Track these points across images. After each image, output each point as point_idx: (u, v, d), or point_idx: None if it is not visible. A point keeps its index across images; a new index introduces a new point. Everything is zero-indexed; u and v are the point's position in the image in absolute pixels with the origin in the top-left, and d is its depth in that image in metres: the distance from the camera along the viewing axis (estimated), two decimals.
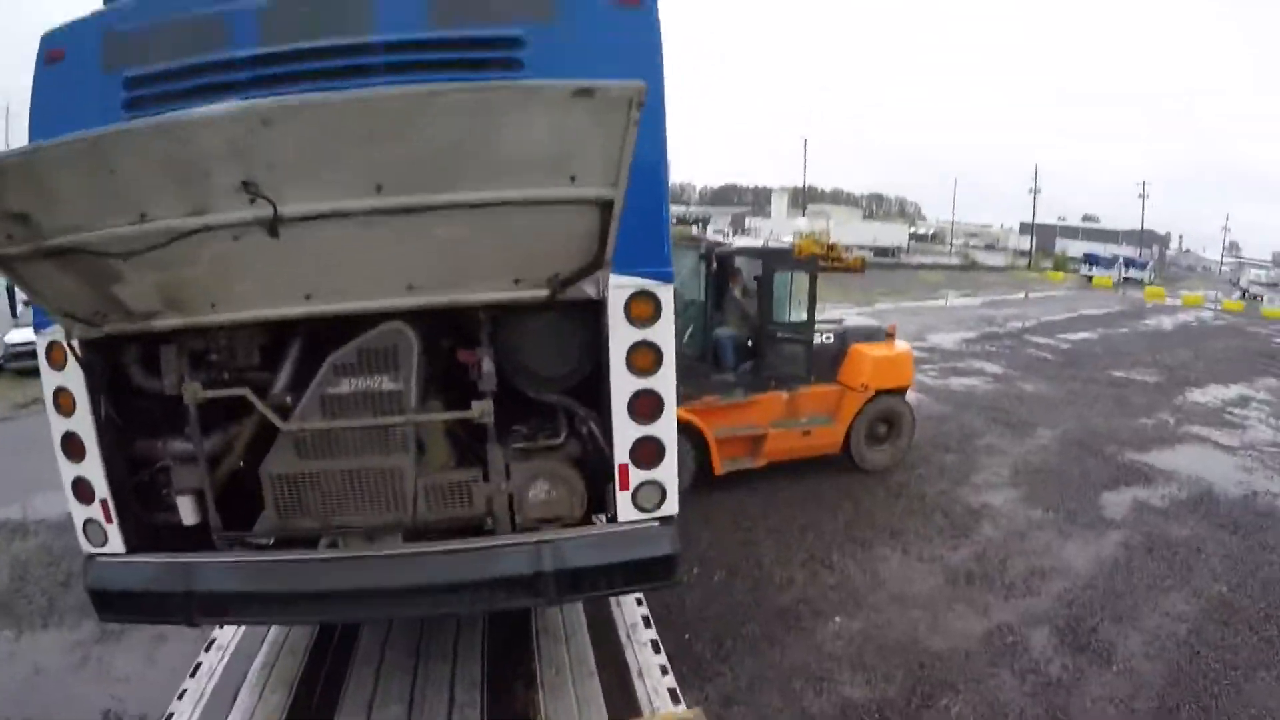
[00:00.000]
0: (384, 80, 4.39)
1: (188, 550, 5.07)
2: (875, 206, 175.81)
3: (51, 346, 4.78)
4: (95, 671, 8.08)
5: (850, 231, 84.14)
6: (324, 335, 4.77)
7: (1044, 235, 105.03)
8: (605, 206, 3.81)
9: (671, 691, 5.62)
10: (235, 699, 5.85)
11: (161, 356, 4.71)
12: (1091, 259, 77.31)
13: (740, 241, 15.11)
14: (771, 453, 13.01)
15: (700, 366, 12.27)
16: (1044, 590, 10.11)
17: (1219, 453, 16.65)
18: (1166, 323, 41.00)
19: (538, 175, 3.66)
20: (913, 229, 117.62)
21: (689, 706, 5.50)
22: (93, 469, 4.90)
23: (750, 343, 12.85)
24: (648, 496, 5.14)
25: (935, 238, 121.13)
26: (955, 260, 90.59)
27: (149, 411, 5.06)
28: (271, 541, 5.38)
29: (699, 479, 12.29)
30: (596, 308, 4.74)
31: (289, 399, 4.82)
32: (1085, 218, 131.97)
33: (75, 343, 4.52)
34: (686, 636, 8.80)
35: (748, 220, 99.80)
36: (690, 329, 12.49)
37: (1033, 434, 17.16)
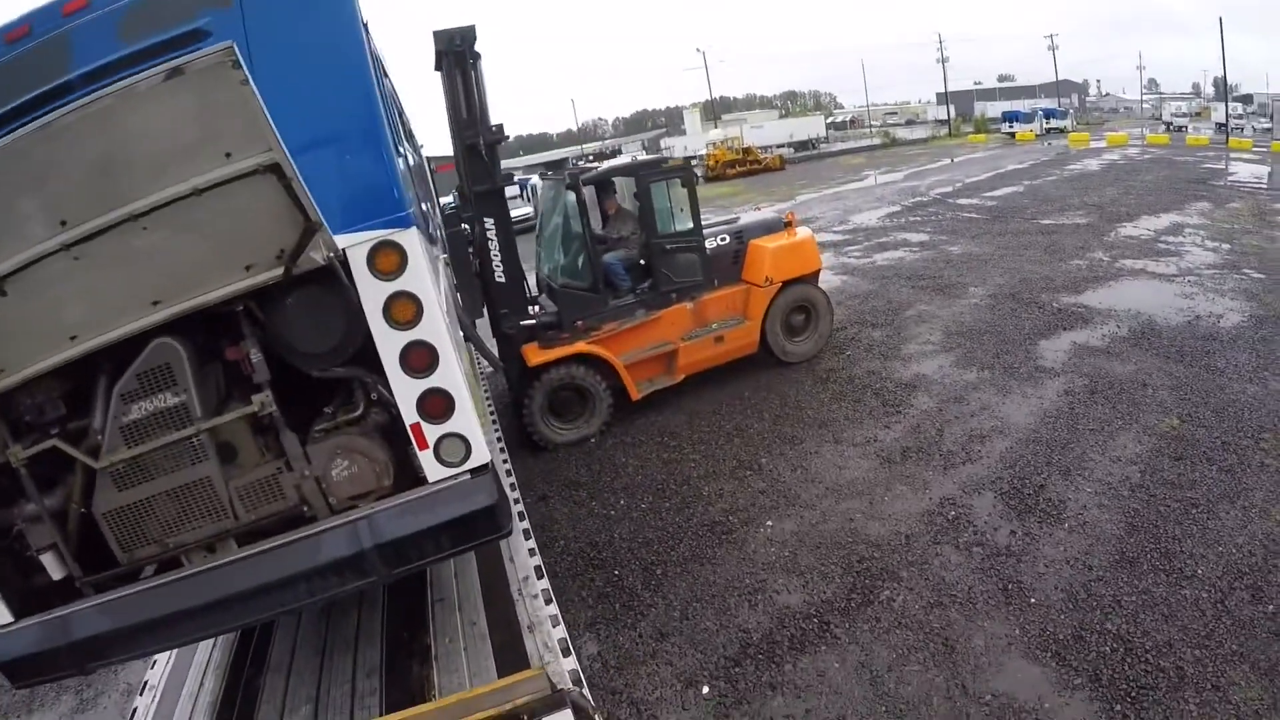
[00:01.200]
0: None
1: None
2: (790, 104, 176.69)
3: None
4: None
5: (766, 133, 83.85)
6: (124, 366, 4.75)
7: (962, 101, 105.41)
8: (276, 170, 3.77)
9: (562, 643, 5.24)
10: None
11: None
12: (1011, 116, 77.38)
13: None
14: (687, 366, 12.64)
15: (594, 296, 12.00)
16: (985, 454, 9.57)
17: (1157, 283, 16.24)
18: (1093, 165, 40.90)
19: (193, 162, 3.69)
20: (830, 119, 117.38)
21: (572, 655, 5.16)
22: None
23: (642, 261, 12.46)
24: (451, 450, 5.00)
25: (854, 123, 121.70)
26: (876, 141, 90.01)
27: None
28: (155, 570, 5.27)
29: (618, 408, 12.08)
30: (344, 271, 4.65)
31: (100, 437, 4.81)
32: (1001, 78, 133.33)
33: None
34: (616, 573, 8.41)
35: (662, 141, 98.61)
36: (578, 260, 12.28)
37: (963, 294, 16.68)
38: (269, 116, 3.56)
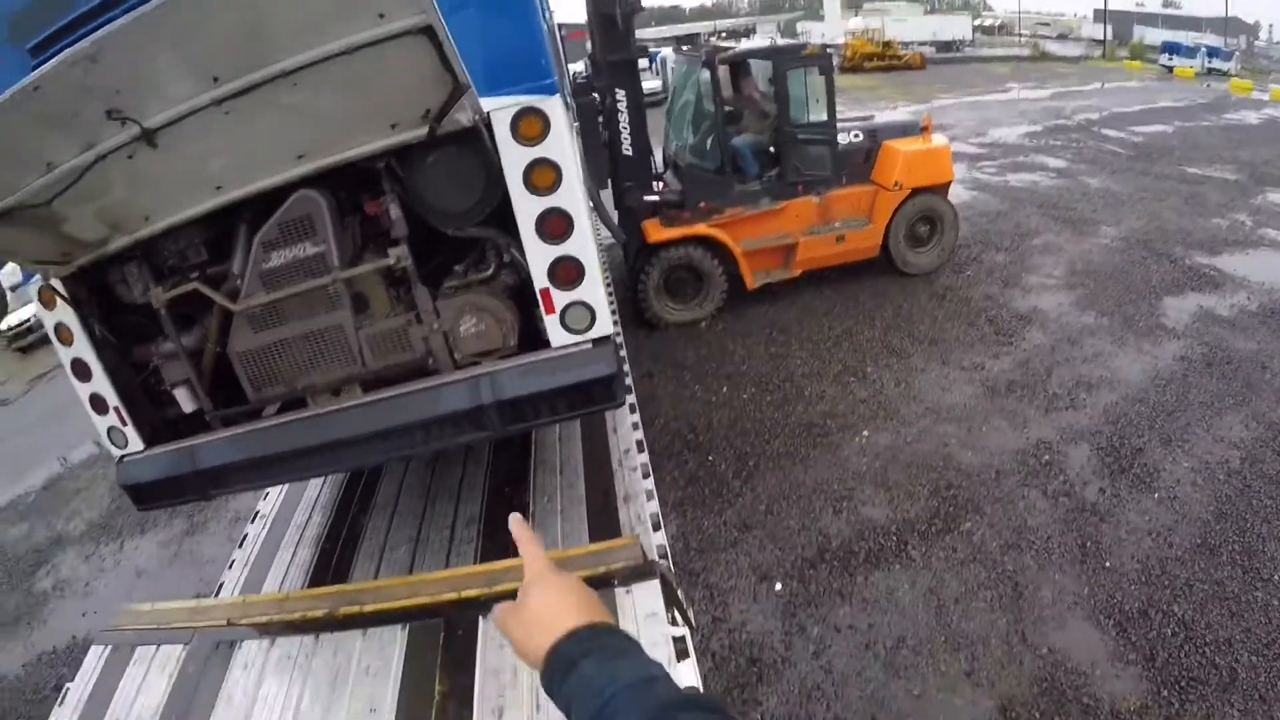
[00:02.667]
0: None
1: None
2: (938, 0, 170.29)
3: (41, 292, 5.15)
4: (186, 561, 9.00)
5: (909, 28, 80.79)
6: (265, 217, 4.99)
7: (1121, 23, 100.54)
8: (429, 32, 3.79)
9: (654, 517, 5.42)
10: (274, 561, 6.22)
11: (128, 273, 5.08)
12: (1171, 48, 72.83)
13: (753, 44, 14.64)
14: (805, 262, 12.64)
15: (720, 178, 12.00)
16: (1089, 404, 9.50)
17: None
18: (1251, 118, 38.69)
19: (345, 22, 3.74)
20: (978, 21, 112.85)
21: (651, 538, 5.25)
22: (101, 384, 5.31)
23: (772, 148, 12.34)
24: (577, 318, 5.11)
25: (1004, 29, 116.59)
26: (1025, 51, 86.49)
27: (137, 322, 5.38)
28: (278, 409, 5.67)
29: (732, 295, 12.24)
30: (487, 134, 4.73)
31: (240, 282, 5.09)
32: (1166, 3, 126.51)
33: (56, 283, 4.95)
34: (710, 458, 8.67)
35: (799, 25, 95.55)
36: (707, 141, 12.25)
37: (1095, 232, 16.24)
38: None
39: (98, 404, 5.39)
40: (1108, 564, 6.96)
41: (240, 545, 6.51)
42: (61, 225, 4.46)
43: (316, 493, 6.99)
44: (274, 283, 5.00)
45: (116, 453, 5.52)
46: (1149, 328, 11.65)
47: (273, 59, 3.79)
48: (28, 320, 21.93)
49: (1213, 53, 70.32)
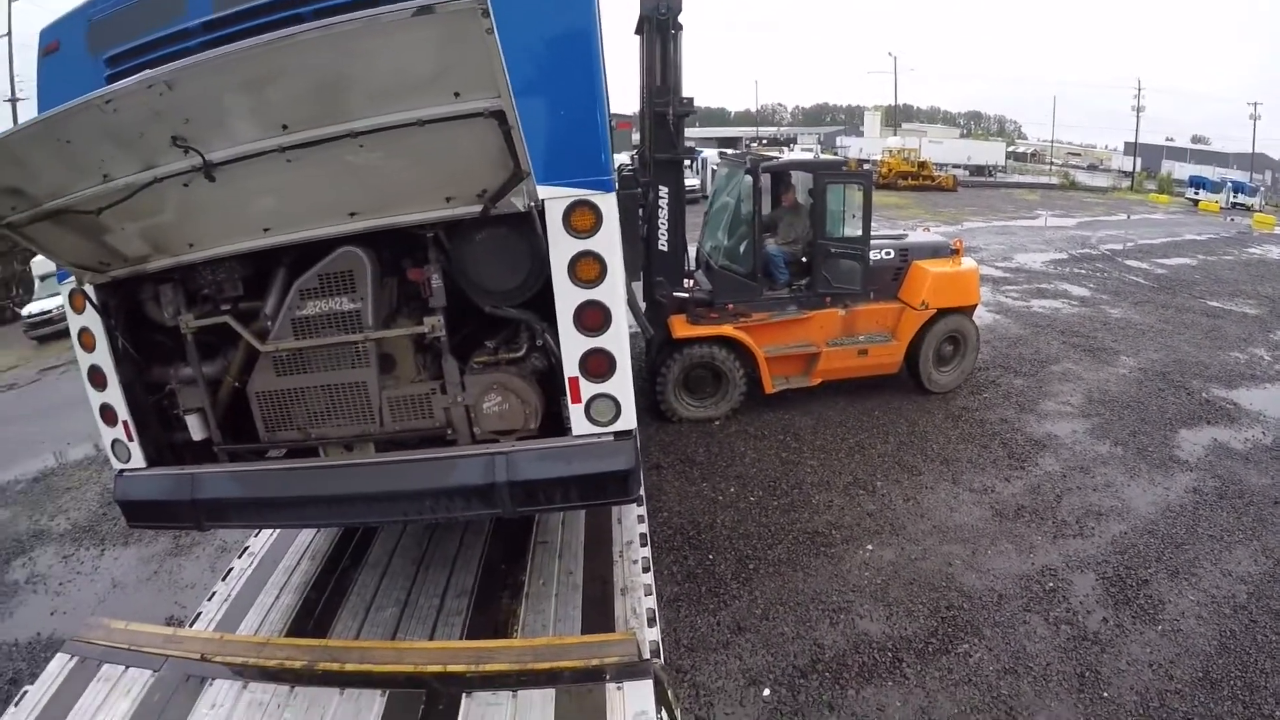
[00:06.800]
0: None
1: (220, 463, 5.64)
2: (974, 125, 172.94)
3: (72, 294, 5.34)
4: (165, 582, 8.83)
5: (945, 150, 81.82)
6: (304, 263, 5.18)
7: (1150, 156, 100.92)
8: (499, 117, 3.92)
9: (650, 612, 5.43)
10: (255, 601, 6.20)
11: (161, 294, 5.31)
12: (1198, 182, 73.03)
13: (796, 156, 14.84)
14: (826, 372, 12.70)
15: (751, 283, 12.18)
16: (1098, 532, 9.44)
17: None
18: (1274, 253, 38.70)
19: (421, 96, 3.87)
20: (1011, 147, 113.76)
21: (643, 626, 5.32)
22: (114, 395, 5.47)
23: (804, 259, 12.50)
24: (601, 410, 5.14)
25: (1035, 157, 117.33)
26: (1054, 180, 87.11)
27: (160, 342, 5.59)
28: (284, 453, 5.85)
29: (749, 397, 12.28)
30: (539, 220, 4.82)
31: (270, 323, 5.27)
32: (1194, 139, 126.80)
33: (88, 288, 5.14)
34: (711, 557, 8.62)
35: (839, 139, 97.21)
36: (741, 245, 12.42)
37: (1113, 361, 16.28)
38: (505, 65, 3.66)
39: (107, 415, 5.54)
40: (1105, 694, 6.86)
41: (224, 578, 6.53)
42: (105, 235, 4.68)
43: (309, 539, 7.05)
44: (305, 330, 5.20)
45: (117, 465, 5.66)
46: (1162, 459, 11.61)
47: (344, 118, 3.96)
48: (50, 311, 22.54)
49: (1238, 188, 69.90)
